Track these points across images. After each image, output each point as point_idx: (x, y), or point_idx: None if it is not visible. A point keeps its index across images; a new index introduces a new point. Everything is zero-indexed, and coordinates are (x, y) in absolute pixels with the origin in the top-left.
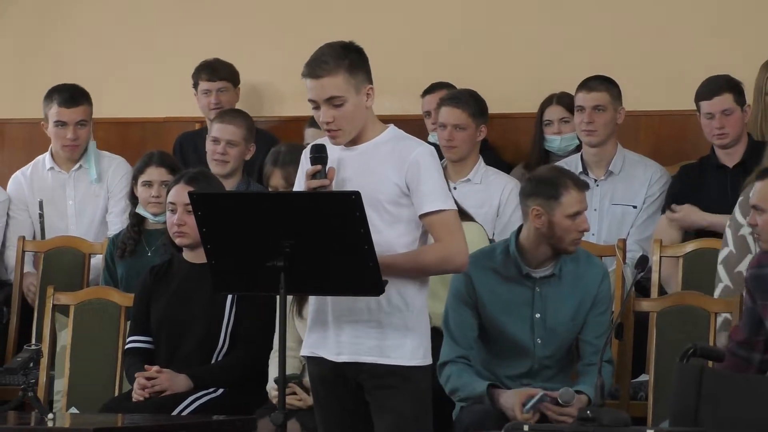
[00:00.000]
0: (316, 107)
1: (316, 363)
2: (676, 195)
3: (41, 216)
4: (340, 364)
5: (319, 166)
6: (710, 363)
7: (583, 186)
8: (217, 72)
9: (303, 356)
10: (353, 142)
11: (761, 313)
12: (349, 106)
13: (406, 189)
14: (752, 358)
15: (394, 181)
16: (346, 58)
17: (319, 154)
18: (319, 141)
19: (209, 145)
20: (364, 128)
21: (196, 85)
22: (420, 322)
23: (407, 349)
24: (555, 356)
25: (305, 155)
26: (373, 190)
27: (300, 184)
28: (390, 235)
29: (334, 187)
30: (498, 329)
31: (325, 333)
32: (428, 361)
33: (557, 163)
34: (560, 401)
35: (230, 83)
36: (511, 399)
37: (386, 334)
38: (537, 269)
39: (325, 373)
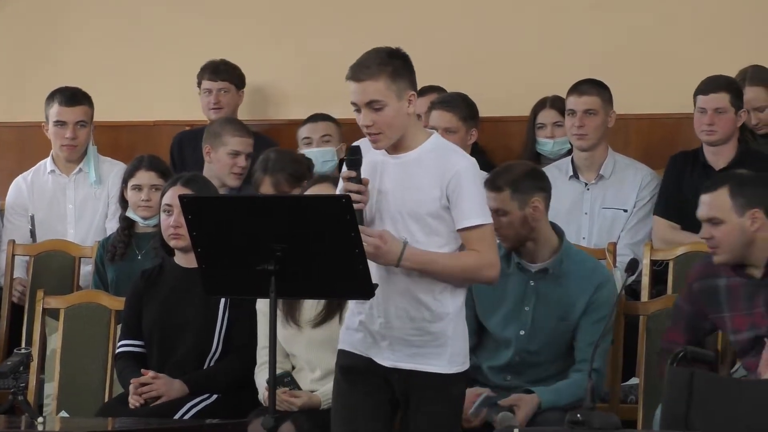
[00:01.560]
0: (358, 110)
1: (351, 357)
2: (667, 186)
3: (32, 231)
4: (381, 366)
5: (353, 172)
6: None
7: None
8: (219, 72)
9: (341, 349)
10: (396, 149)
11: (716, 324)
12: (389, 111)
13: (446, 202)
14: None
15: (436, 195)
16: (389, 65)
17: (354, 157)
18: (357, 142)
19: (227, 159)
20: (407, 135)
21: (199, 84)
22: (458, 329)
23: (446, 357)
24: (542, 354)
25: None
26: (416, 203)
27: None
28: (430, 246)
29: (374, 195)
30: (484, 316)
31: (370, 337)
32: (466, 366)
33: (548, 167)
34: (495, 425)
35: (232, 85)
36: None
37: (426, 341)
38: (532, 263)
39: (359, 365)
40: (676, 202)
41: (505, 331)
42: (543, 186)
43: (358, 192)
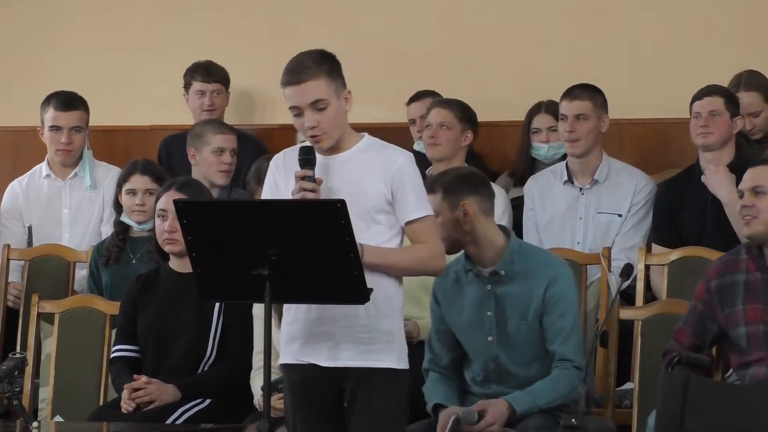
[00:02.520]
0: (298, 114)
1: (297, 370)
2: (661, 212)
3: (29, 242)
4: (327, 369)
5: (310, 171)
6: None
7: None
8: (212, 74)
9: (282, 364)
10: (333, 150)
11: (721, 323)
12: (331, 109)
13: (390, 197)
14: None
15: (381, 191)
16: (325, 64)
17: (308, 156)
18: (305, 144)
19: (210, 156)
20: (343, 136)
21: (187, 86)
22: (401, 325)
23: (395, 353)
24: (515, 358)
25: (274, 162)
26: (361, 199)
27: (277, 190)
28: (376, 241)
29: (325, 196)
30: (455, 328)
31: (310, 340)
32: (408, 365)
33: (542, 171)
34: (462, 421)
35: (223, 86)
36: (441, 419)
37: (375, 338)
38: (484, 267)
39: (309, 379)
40: (673, 228)
41: (474, 339)
42: (477, 190)
43: (312, 191)
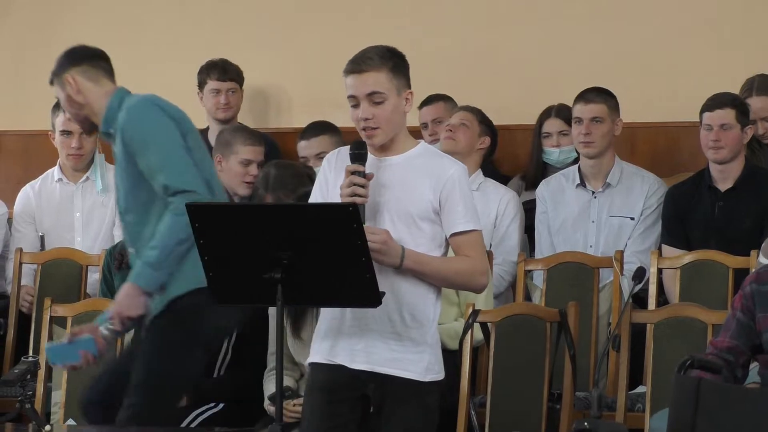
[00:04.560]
0: (355, 105)
1: (324, 370)
2: (669, 218)
3: (42, 247)
4: (355, 371)
5: (361, 167)
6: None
7: None
8: (227, 72)
9: (311, 362)
10: (385, 152)
11: (760, 325)
12: (388, 105)
13: (438, 206)
14: (736, 363)
15: (428, 198)
16: (390, 60)
17: (360, 151)
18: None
19: (239, 168)
20: (398, 138)
21: (201, 85)
22: (435, 337)
23: (424, 364)
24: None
25: (327, 159)
26: (408, 204)
27: (327, 187)
28: (415, 249)
29: (370, 196)
30: None
31: (341, 340)
32: (441, 375)
33: (554, 175)
34: None
35: (238, 84)
36: None
37: (406, 347)
38: None
39: (335, 381)
40: (681, 231)
41: None
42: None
43: (362, 186)
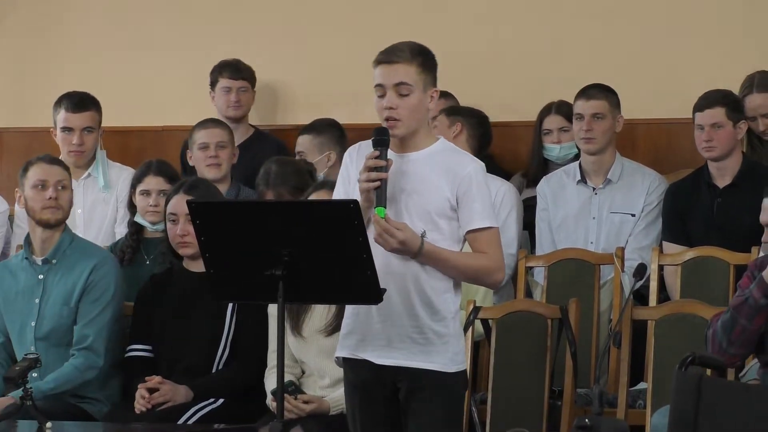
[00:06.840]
0: (382, 95)
1: (351, 366)
2: (669, 215)
3: None
4: (380, 366)
5: (378, 153)
6: (708, 371)
7: None
8: (239, 71)
9: (340, 357)
10: (406, 148)
11: None
12: (413, 98)
13: (455, 203)
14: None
15: (446, 194)
16: (420, 55)
17: (382, 137)
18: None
19: (198, 153)
20: (419, 133)
21: (213, 83)
22: (458, 328)
23: (449, 355)
24: None
25: (348, 153)
26: (426, 201)
27: (350, 182)
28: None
29: (389, 191)
30: None
31: (366, 336)
32: (465, 365)
33: (555, 171)
34: None
35: (249, 84)
36: None
37: (430, 340)
38: None
39: (364, 377)
40: (681, 228)
41: None
42: None
43: (379, 170)
